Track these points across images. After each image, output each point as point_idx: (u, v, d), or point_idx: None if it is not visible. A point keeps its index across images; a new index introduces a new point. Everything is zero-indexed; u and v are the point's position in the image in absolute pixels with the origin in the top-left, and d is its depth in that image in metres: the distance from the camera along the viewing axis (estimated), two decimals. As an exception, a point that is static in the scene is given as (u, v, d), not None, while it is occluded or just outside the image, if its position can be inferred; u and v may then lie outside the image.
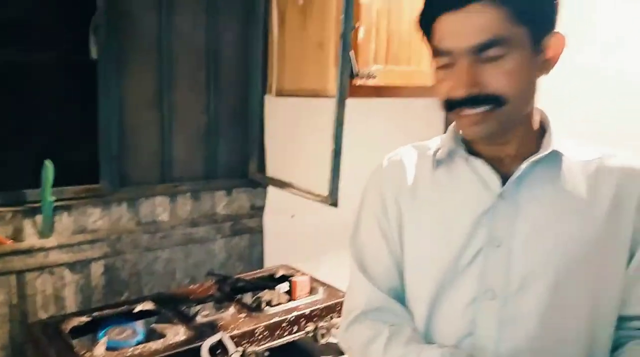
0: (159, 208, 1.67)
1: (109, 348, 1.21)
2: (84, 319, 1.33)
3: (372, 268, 0.95)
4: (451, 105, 0.80)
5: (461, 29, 0.75)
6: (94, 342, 1.24)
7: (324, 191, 1.61)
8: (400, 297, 0.94)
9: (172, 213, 1.70)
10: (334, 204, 1.61)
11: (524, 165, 0.82)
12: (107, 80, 1.55)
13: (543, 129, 0.86)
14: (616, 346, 0.85)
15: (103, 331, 1.28)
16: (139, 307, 1.41)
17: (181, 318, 1.37)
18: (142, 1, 1.61)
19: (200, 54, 1.74)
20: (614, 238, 0.82)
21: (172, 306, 1.43)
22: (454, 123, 0.92)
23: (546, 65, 0.80)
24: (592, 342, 0.83)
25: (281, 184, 1.79)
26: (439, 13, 0.77)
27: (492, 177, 0.84)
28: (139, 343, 1.25)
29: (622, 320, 0.85)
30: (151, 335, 1.31)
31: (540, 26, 0.77)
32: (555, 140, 0.84)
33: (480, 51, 0.75)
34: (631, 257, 0.83)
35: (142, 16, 1.61)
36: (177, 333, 1.29)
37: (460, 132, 0.88)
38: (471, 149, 0.88)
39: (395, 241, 0.93)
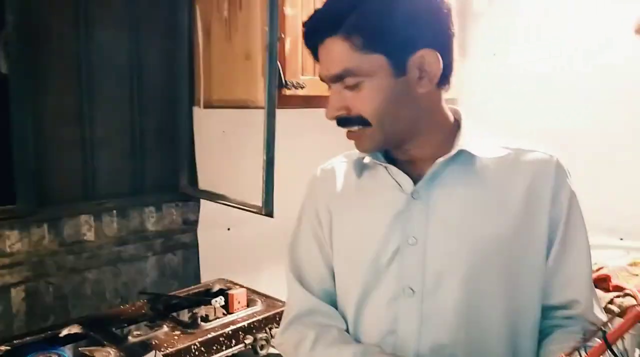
0: (83, 227, 1.59)
1: (31, 377, 1.13)
2: (3, 348, 1.24)
3: (306, 273, 0.97)
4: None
5: (322, 60, 0.84)
6: (16, 372, 1.16)
7: (259, 202, 1.60)
8: (334, 300, 0.96)
9: (98, 232, 1.63)
10: (269, 214, 1.60)
11: (434, 166, 0.85)
12: (20, 95, 1.47)
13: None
14: (544, 336, 0.88)
15: (25, 360, 1.20)
16: (64, 332, 1.33)
17: (111, 340, 1.31)
18: (58, 15, 1.55)
19: (122, 68, 1.69)
20: (531, 231, 0.85)
21: (102, 328, 1.37)
22: None
23: (426, 83, 0.83)
24: (515, 334, 0.85)
25: (214, 197, 1.76)
26: (309, 47, 0.86)
27: (404, 180, 0.88)
28: (65, 369, 1.18)
29: (546, 310, 0.89)
30: (79, 360, 1.25)
31: (397, 50, 0.80)
32: (467, 140, 0.87)
33: (338, 80, 0.83)
34: (549, 248, 0.87)
35: (59, 30, 1.54)
36: (107, 355, 1.23)
37: None
38: (390, 155, 0.92)
39: (328, 246, 0.96)
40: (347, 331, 0.93)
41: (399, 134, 0.86)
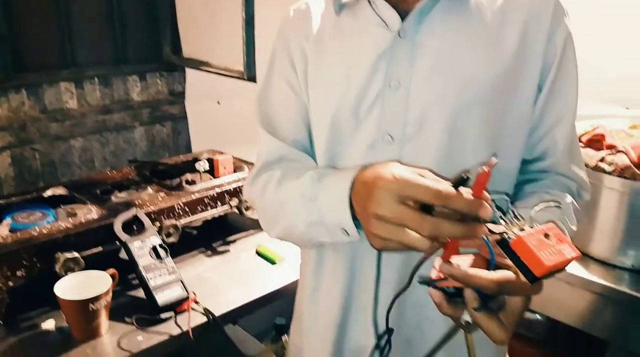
0: (65, 95, 1.57)
1: (13, 230, 1.16)
2: (-13, 206, 1.28)
3: (277, 123, 0.92)
4: None
5: None
6: (-1, 226, 1.19)
7: (241, 67, 1.54)
8: (307, 149, 0.92)
9: (80, 100, 1.60)
10: (252, 78, 1.55)
11: None
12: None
13: None
14: (517, 191, 0.84)
15: (9, 216, 1.23)
16: (49, 193, 1.36)
17: (95, 200, 1.33)
18: None
19: None
20: (521, 75, 0.79)
21: (86, 190, 1.39)
22: None
23: None
24: (494, 185, 0.80)
25: (197, 64, 1.70)
26: None
27: (391, 15, 0.79)
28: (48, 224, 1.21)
29: (523, 164, 0.84)
30: (62, 216, 1.28)
31: None
32: None
33: None
34: (538, 96, 0.80)
35: None
36: (89, 212, 1.25)
37: None
38: None
39: (302, 92, 0.89)
40: None
41: None
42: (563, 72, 0.81)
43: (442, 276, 0.58)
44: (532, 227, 0.55)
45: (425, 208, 0.57)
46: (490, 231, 0.56)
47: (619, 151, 1.34)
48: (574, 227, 0.78)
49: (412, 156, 0.79)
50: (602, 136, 1.42)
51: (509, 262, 0.55)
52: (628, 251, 1.31)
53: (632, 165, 1.28)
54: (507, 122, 0.80)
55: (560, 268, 0.53)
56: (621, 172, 1.29)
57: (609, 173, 1.33)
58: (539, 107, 0.81)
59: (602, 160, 1.36)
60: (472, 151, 0.79)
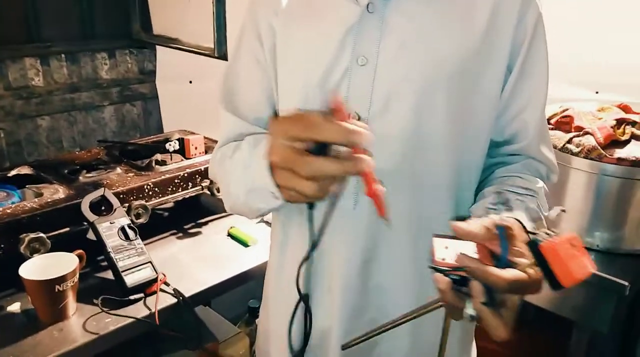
0: (30, 71, 1.51)
1: (-25, 210, 1.13)
2: (-52, 186, 1.23)
3: (239, 98, 0.90)
4: None
5: None
6: (-39, 207, 1.16)
7: (212, 44, 1.51)
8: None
9: (46, 77, 1.55)
10: (222, 56, 1.52)
11: None
12: None
13: None
14: (486, 175, 0.84)
15: (-29, 196, 1.19)
16: (13, 172, 1.32)
17: (62, 180, 1.30)
18: None
19: None
20: (490, 56, 0.78)
21: (53, 170, 1.35)
22: None
23: None
24: (460, 167, 0.81)
25: (167, 41, 1.66)
26: None
27: None
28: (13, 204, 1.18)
29: (492, 147, 0.85)
30: (27, 196, 1.24)
31: None
32: None
33: None
34: (507, 78, 0.80)
35: None
36: (56, 192, 1.22)
37: None
38: None
39: (269, 67, 0.87)
40: None
41: None
42: (533, 53, 0.80)
43: (447, 261, 0.56)
44: (556, 233, 0.54)
45: (321, 153, 0.55)
46: (529, 232, 0.56)
47: (586, 133, 1.37)
48: (545, 213, 0.78)
49: (377, 135, 0.78)
50: (571, 118, 1.44)
51: (517, 259, 0.54)
52: (594, 231, 1.34)
53: (598, 147, 1.31)
54: (474, 102, 0.79)
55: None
56: (587, 153, 1.31)
57: (576, 154, 1.35)
58: (508, 89, 0.81)
59: (569, 141, 1.38)
60: (438, 130, 0.78)
